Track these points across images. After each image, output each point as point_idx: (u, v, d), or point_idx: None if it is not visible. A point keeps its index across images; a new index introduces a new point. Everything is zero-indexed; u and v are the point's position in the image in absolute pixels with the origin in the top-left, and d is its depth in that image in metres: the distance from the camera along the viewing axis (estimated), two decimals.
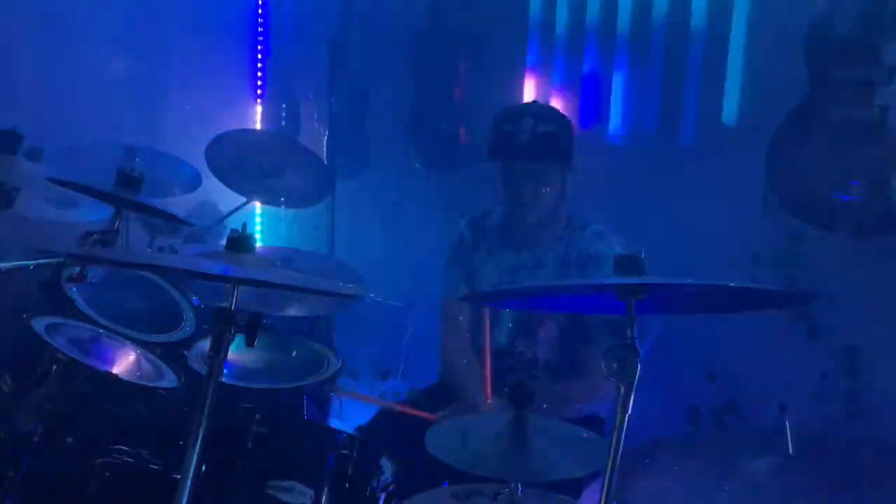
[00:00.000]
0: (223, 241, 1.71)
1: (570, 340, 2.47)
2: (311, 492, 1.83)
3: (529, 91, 3.36)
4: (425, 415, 2.40)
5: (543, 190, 2.46)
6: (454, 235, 2.71)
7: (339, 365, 2.47)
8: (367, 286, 2.97)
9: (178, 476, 1.43)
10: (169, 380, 2.14)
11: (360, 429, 2.64)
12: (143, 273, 2.45)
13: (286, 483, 1.82)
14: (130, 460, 1.88)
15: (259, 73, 4.34)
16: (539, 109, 2.63)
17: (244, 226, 1.63)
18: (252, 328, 1.47)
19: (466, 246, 2.68)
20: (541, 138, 2.41)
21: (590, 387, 2.42)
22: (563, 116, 2.63)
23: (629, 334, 1.42)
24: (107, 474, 1.86)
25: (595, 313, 2.39)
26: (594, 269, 2.45)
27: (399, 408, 2.50)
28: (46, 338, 1.97)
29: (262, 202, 3.75)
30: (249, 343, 1.45)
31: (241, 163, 3.13)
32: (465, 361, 2.56)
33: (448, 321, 2.64)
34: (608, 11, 3.12)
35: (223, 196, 3.30)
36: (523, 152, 2.43)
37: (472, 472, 1.83)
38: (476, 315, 2.57)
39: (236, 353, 2.08)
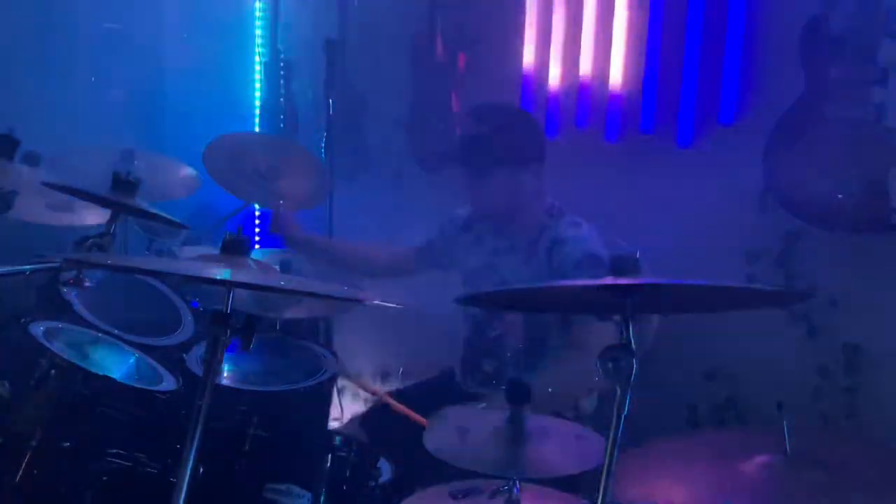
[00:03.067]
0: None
1: (541, 321, 2.49)
2: (308, 494, 1.83)
3: (527, 90, 3.36)
4: (417, 417, 2.41)
5: (488, 188, 2.54)
6: (453, 216, 2.80)
7: (338, 367, 2.47)
8: (366, 288, 2.97)
9: (176, 479, 1.43)
10: (167, 383, 2.15)
11: (358, 420, 2.64)
12: (140, 276, 2.45)
13: (284, 486, 1.82)
14: (128, 464, 1.88)
15: (257, 75, 4.34)
16: (487, 109, 2.67)
17: (240, 228, 1.63)
18: (248, 331, 1.47)
19: (459, 229, 2.75)
20: (474, 140, 2.52)
21: (576, 366, 2.42)
22: (516, 115, 2.72)
23: (625, 335, 1.42)
24: (104, 478, 1.86)
25: (590, 313, 2.39)
26: (559, 252, 2.47)
27: (396, 406, 2.51)
28: (44, 342, 1.97)
29: (261, 205, 3.75)
30: (245, 346, 1.45)
31: (239, 165, 3.13)
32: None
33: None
34: (605, 13, 3.12)
35: (221, 199, 3.30)
36: (466, 151, 2.56)
37: (469, 470, 1.84)
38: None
39: (234, 355, 2.09)
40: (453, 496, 1.79)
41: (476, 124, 2.53)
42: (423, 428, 2.25)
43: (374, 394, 2.66)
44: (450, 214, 2.81)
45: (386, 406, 2.64)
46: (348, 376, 2.65)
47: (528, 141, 2.59)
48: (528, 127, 2.64)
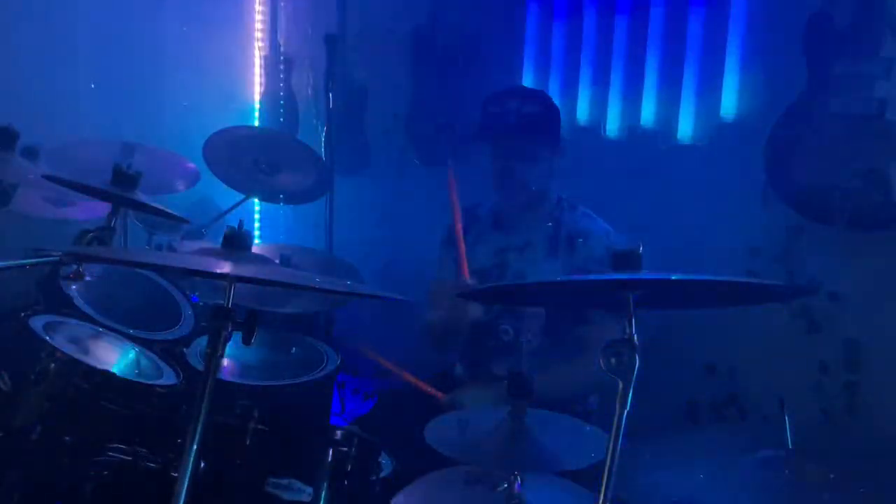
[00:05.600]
0: (221, 238, 1.71)
1: (560, 322, 2.48)
2: (309, 489, 1.83)
3: (527, 86, 3.35)
4: (433, 391, 2.43)
5: (531, 169, 2.51)
6: (449, 221, 2.73)
7: (338, 362, 2.47)
8: (367, 283, 2.97)
9: (177, 474, 1.42)
10: (168, 377, 2.14)
11: (358, 420, 2.65)
12: (140, 270, 2.45)
13: (285, 480, 1.82)
14: (129, 458, 1.87)
15: (257, 70, 4.33)
16: (525, 91, 2.75)
17: (241, 223, 1.62)
18: (250, 325, 1.47)
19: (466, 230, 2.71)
20: (527, 118, 2.48)
21: (587, 369, 2.43)
22: (548, 98, 2.70)
23: (628, 329, 1.41)
24: (105, 472, 1.86)
25: (598, 308, 2.39)
26: (582, 246, 2.48)
27: (412, 380, 2.52)
28: (44, 336, 1.96)
29: (261, 199, 3.74)
30: (247, 340, 1.45)
31: (239, 159, 3.13)
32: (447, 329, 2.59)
33: (434, 299, 2.65)
34: (606, 5, 3.11)
35: (221, 193, 3.29)
36: (510, 132, 2.49)
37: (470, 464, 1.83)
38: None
39: (235, 350, 2.08)
40: (467, 482, 1.78)
41: (522, 103, 2.50)
42: (437, 404, 2.27)
43: (390, 368, 2.66)
44: (465, 205, 2.78)
45: (387, 401, 2.65)
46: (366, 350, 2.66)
47: (559, 128, 2.60)
48: (559, 114, 2.64)
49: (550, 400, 1.95)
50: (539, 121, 2.50)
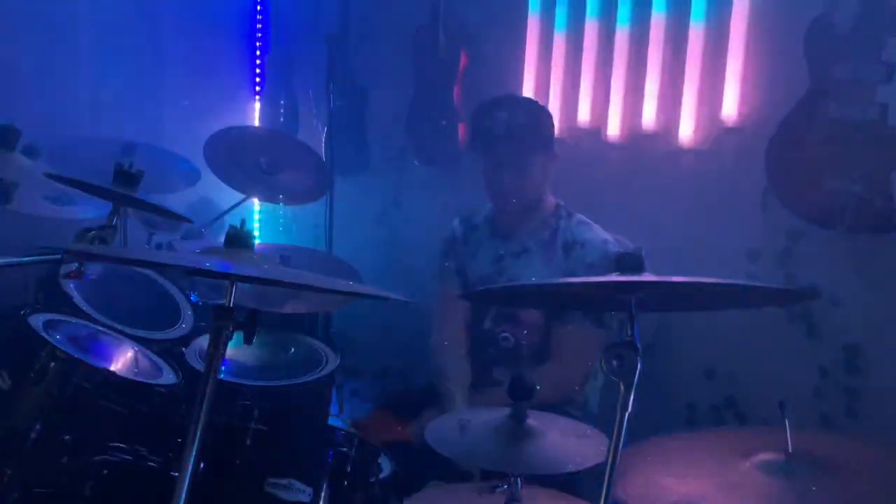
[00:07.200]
0: (221, 238, 1.70)
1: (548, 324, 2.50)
2: (309, 489, 1.83)
3: (529, 87, 3.35)
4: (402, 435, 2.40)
5: (522, 178, 2.52)
6: (447, 232, 2.74)
7: (338, 362, 2.47)
8: (366, 283, 2.97)
9: (177, 473, 1.42)
10: (167, 377, 2.14)
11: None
12: (141, 270, 2.45)
13: (285, 481, 1.82)
14: (128, 458, 1.88)
15: (257, 70, 4.34)
16: (514, 100, 2.72)
17: (243, 222, 1.62)
18: (250, 325, 1.46)
19: (458, 241, 2.73)
20: (516, 128, 2.48)
21: (564, 370, 2.45)
22: (539, 107, 2.70)
23: (629, 332, 1.41)
24: (104, 472, 1.86)
25: (592, 312, 2.40)
26: (579, 254, 2.48)
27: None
28: (44, 335, 1.96)
29: (261, 199, 3.75)
30: (248, 340, 1.45)
31: (240, 159, 3.13)
32: (457, 354, 2.59)
33: (441, 314, 2.66)
34: (608, 8, 3.11)
35: (221, 193, 3.29)
36: (500, 142, 2.49)
37: (469, 465, 1.84)
38: (468, 308, 2.62)
39: (235, 350, 2.08)
40: (478, 491, 1.79)
41: (510, 114, 2.49)
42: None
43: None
44: (463, 214, 2.79)
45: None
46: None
47: (552, 134, 2.60)
48: (551, 120, 2.64)
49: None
50: (528, 132, 2.50)
